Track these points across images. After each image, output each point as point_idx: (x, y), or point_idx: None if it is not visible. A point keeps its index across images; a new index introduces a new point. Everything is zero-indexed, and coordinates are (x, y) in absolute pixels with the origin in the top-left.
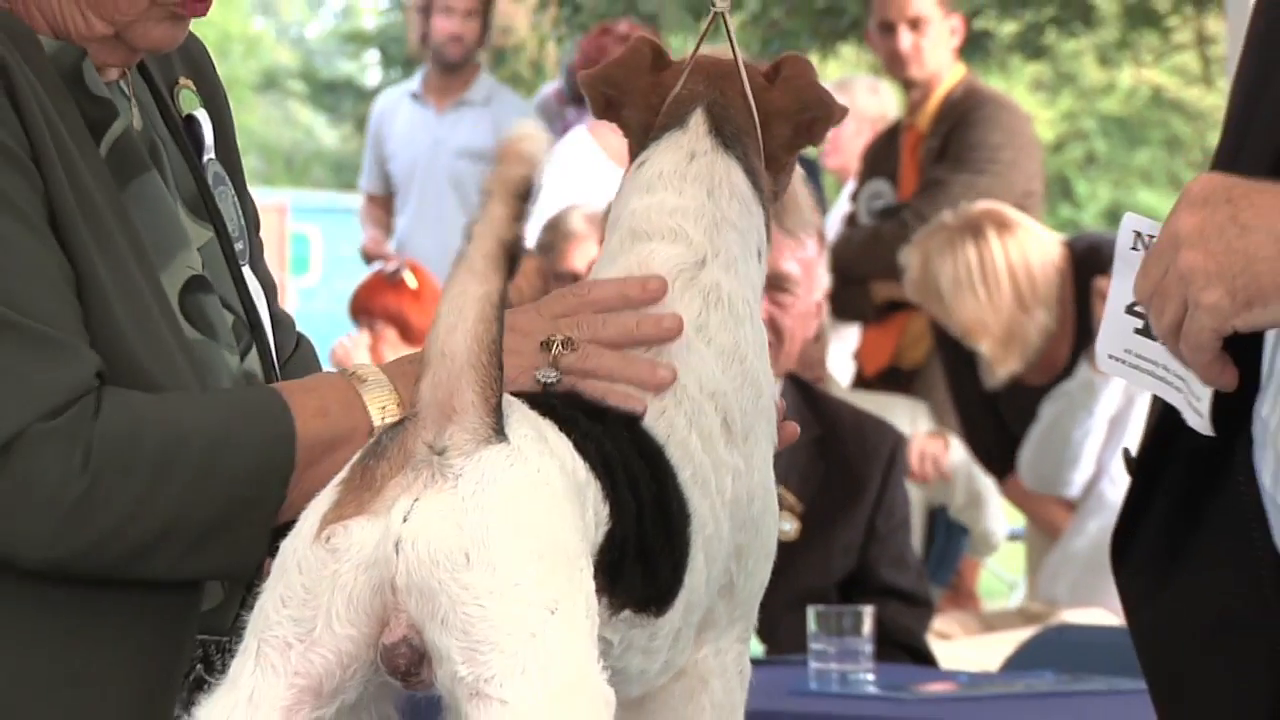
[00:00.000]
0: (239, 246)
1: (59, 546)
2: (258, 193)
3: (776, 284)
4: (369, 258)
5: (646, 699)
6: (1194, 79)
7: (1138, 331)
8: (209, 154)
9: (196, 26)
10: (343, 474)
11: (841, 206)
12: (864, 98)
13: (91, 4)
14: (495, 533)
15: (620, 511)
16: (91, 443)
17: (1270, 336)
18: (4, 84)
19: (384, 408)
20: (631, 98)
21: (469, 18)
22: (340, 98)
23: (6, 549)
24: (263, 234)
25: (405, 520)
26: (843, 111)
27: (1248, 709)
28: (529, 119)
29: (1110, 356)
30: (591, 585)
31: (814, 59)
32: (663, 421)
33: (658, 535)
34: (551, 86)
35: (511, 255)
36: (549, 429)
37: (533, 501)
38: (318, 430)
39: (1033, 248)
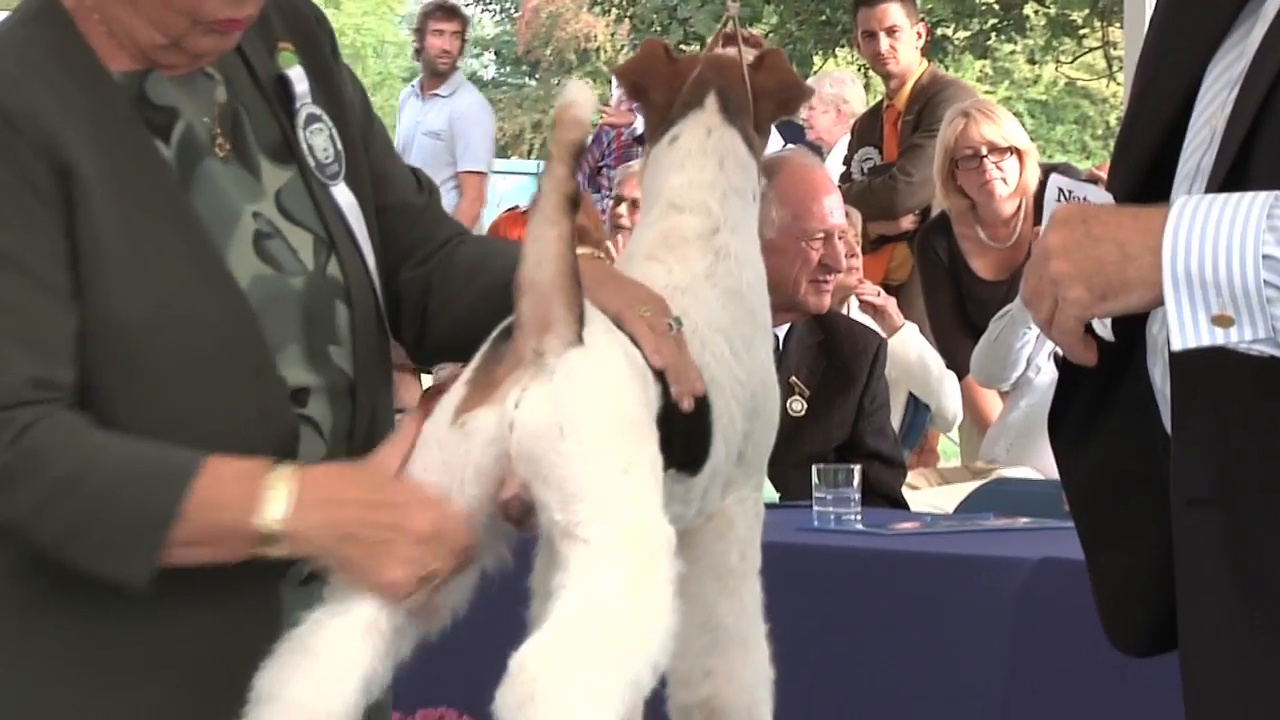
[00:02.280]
0: (331, 170)
1: None
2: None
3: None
4: None
5: (687, 535)
6: (1100, 74)
7: None
8: (301, 100)
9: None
10: (468, 375)
11: (830, 167)
12: (828, 87)
13: (150, 21)
14: (581, 412)
15: (668, 395)
16: (14, 445)
17: None
18: (46, 148)
19: (273, 519)
20: (656, 83)
21: (454, 37)
22: None
23: None
24: None
25: (516, 407)
26: (810, 91)
27: (1142, 547)
28: (576, 85)
29: None
30: (656, 449)
31: (816, 59)
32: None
33: (691, 417)
34: None
35: (574, 202)
36: (618, 334)
37: (608, 388)
38: (205, 518)
39: (1008, 125)
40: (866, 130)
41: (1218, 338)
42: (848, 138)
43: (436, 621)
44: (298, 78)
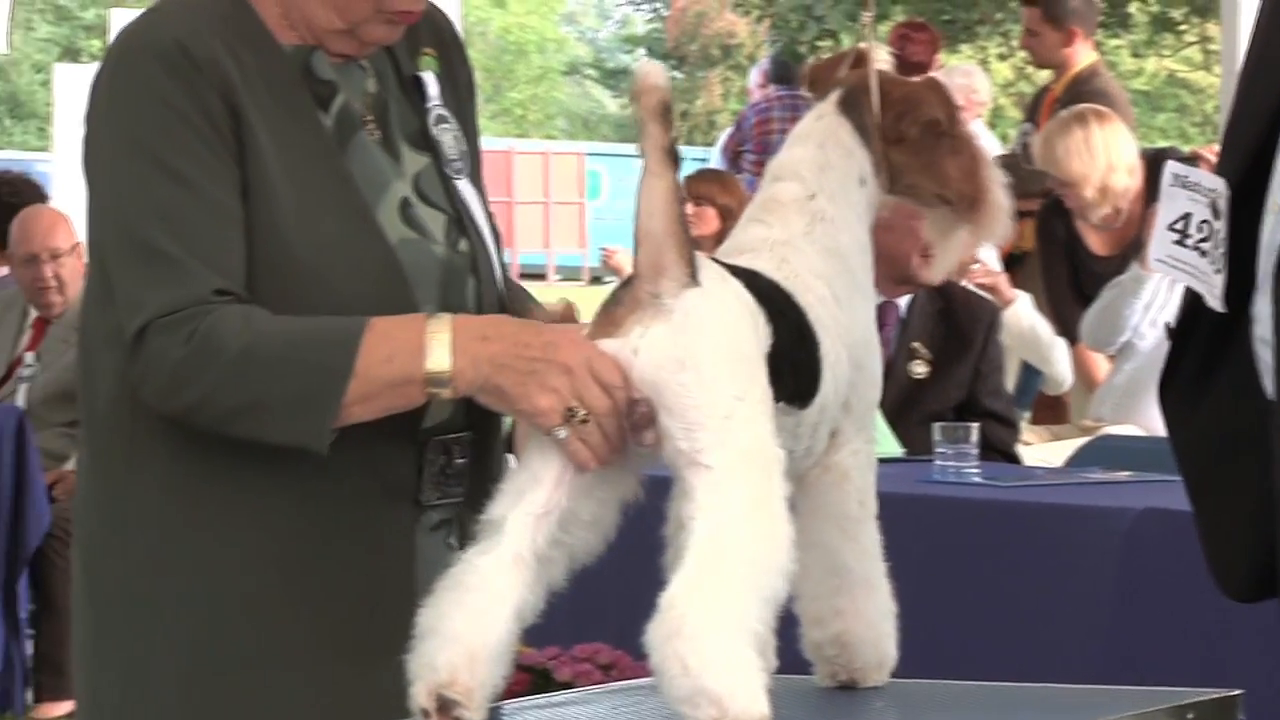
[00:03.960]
0: (457, 165)
1: (167, 406)
2: (565, 144)
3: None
4: None
5: (808, 486)
6: (1198, 66)
7: (1175, 243)
8: (432, 102)
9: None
10: (592, 320)
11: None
12: (958, 78)
13: (333, 5)
14: (698, 346)
15: (777, 331)
16: (193, 337)
17: (1262, 245)
18: (223, 90)
19: (440, 363)
20: (822, 82)
21: None
22: (619, 80)
23: (148, 405)
24: (566, 172)
25: (640, 338)
26: (927, 115)
27: (1245, 500)
28: (646, 62)
29: (1157, 259)
30: (766, 380)
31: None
32: (790, 286)
33: (800, 351)
34: (758, 69)
35: (674, 156)
36: (728, 276)
37: (722, 323)
38: (378, 372)
39: (1120, 134)
40: (1031, 108)
41: None
42: (976, 125)
43: (595, 465)
44: (431, 81)
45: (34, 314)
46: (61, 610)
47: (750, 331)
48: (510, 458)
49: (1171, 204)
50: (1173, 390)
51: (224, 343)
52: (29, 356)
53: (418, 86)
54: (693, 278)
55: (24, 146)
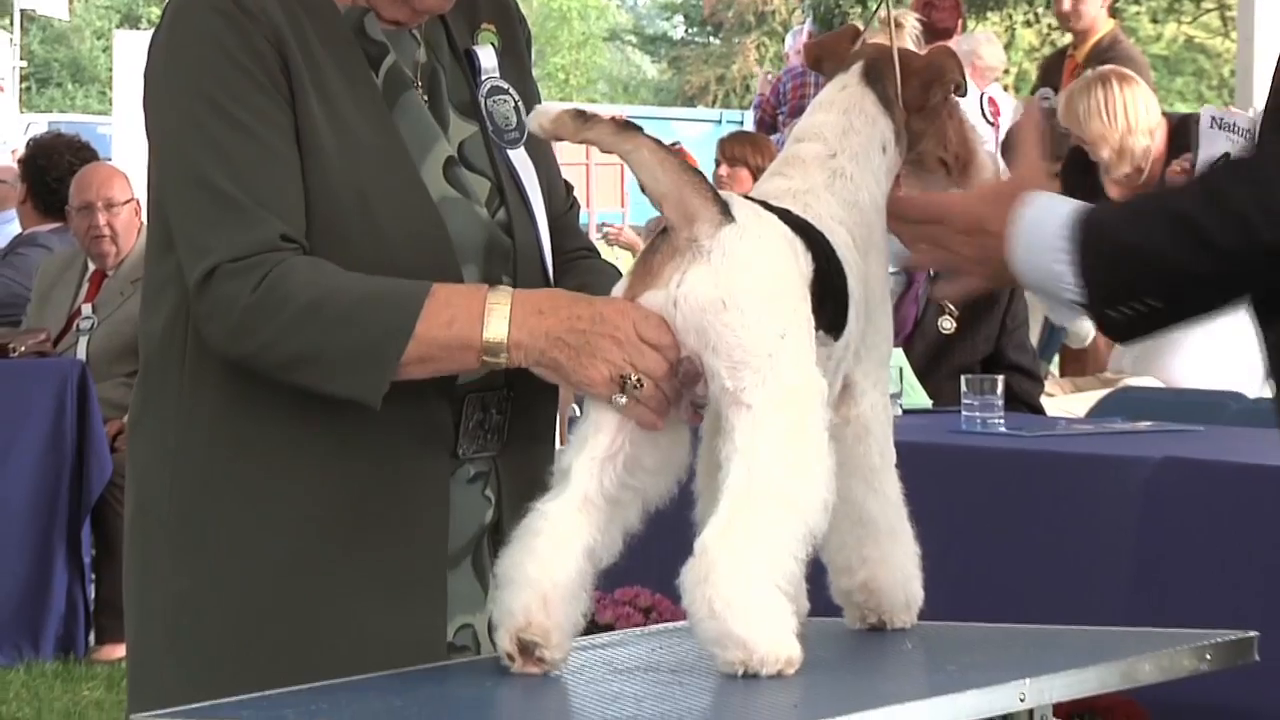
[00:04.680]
0: (511, 136)
1: (231, 349)
2: (602, 108)
3: None
4: None
5: (831, 439)
6: (1215, 32)
7: None
8: (486, 74)
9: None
10: (630, 269)
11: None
12: (962, 45)
13: None
14: (739, 285)
15: (817, 260)
16: (262, 284)
17: None
18: (276, 40)
19: (498, 333)
20: (831, 57)
21: None
22: (659, 46)
23: (213, 349)
24: None
25: (679, 286)
26: (952, 81)
27: None
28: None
29: None
30: (809, 313)
31: (971, 21)
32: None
33: (834, 283)
34: (796, 34)
35: (630, 125)
36: (762, 210)
37: (762, 258)
38: (437, 335)
39: (1141, 95)
40: (1049, 72)
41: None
42: (978, 91)
43: (659, 425)
44: (486, 55)
45: (92, 268)
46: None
47: (791, 262)
48: (575, 407)
49: (1210, 145)
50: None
51: (292, 293)
52: (86, 309)
53: (470, 60)
54: (726, 215)
55: (85, 110)
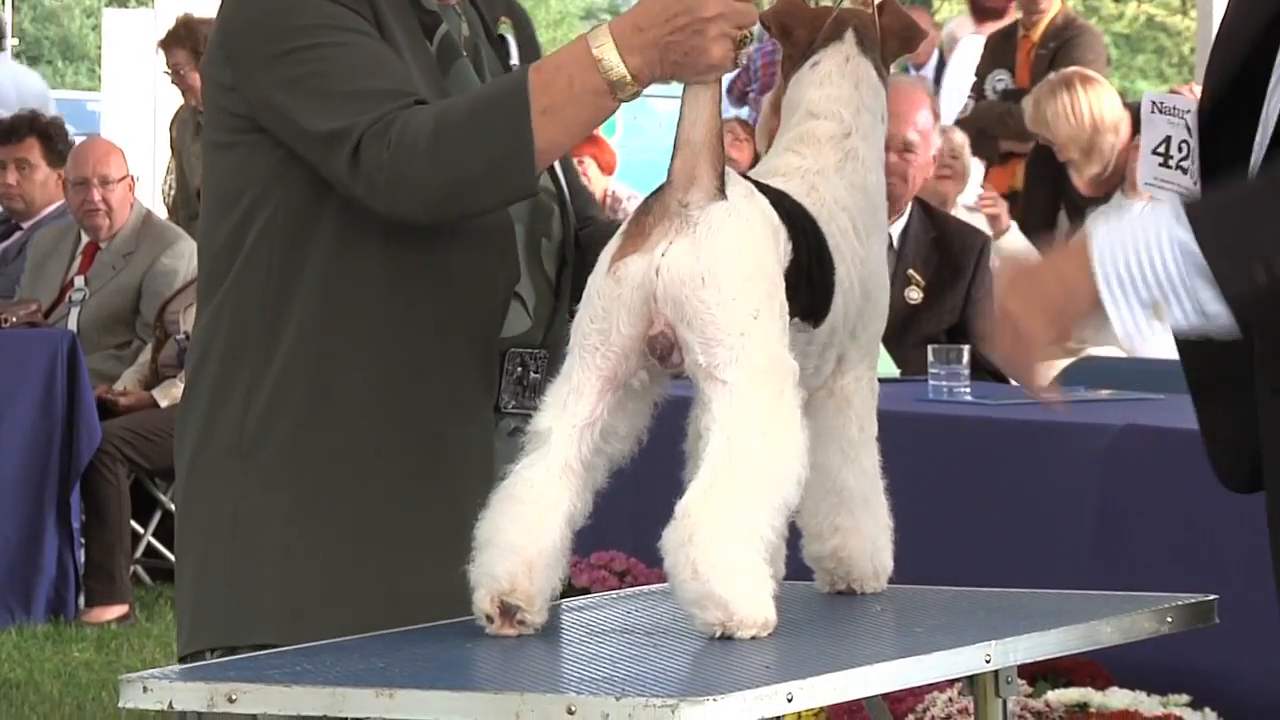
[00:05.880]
0: None
1: (394, 210)
2: None
3: (905, 147)
4: None
5: (813, 411)
6: (1175, 10)
7: (1160, 165)
8: (514, 61)
9: None
10: (624, 226)
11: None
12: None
13: None
14: (719, 262)
15: (797, 249)
16: (391, 141)
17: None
18: (372, 4)
19: (617, 70)
20: (799, 23)
21: None
22: None
23: (369, 208)
24: None
25: (663, 255)
26: (925, 33)
27: (1241, 399)
28: None
29: (1146, 183)
30: (784, 297)
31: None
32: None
33: (816, 271)
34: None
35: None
36: (755, 192)
37: (744, 240)
38: (562, 102)
39: (1105, 96)
40: (1000, 52)
41: (1156, 328)
42: (937, 54)
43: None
44: (512, 45)
45: (85, 240)
46: (111, 522)
47: (770, 247)
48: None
49: (1152, 130)
50: None
51: (416, 135)
52: (79, 280)
53: (503, 44)
54: (721, 191)
55: (75, 86)
